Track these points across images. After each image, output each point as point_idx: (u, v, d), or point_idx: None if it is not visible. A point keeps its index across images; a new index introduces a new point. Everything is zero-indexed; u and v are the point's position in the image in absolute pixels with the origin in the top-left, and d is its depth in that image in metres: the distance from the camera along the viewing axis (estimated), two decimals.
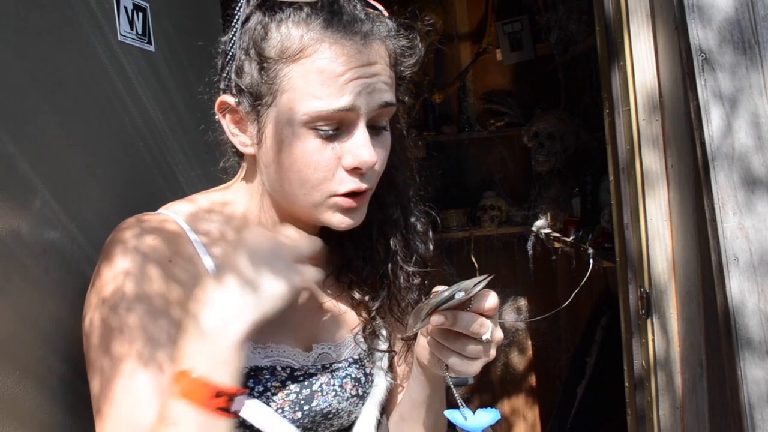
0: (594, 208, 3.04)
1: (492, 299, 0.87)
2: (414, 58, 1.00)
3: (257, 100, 0.93)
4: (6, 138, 0.91)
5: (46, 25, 1.03)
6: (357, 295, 1.12)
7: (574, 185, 3.36)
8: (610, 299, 3.26)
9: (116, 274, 0.91)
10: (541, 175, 3.69)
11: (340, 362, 1.08)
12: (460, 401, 0.92)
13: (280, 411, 0.97)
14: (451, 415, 0.91)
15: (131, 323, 0.90)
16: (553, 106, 3.58)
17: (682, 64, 1.48)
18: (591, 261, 2.80)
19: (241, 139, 0.99)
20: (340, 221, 0.98)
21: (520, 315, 4.16)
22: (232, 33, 0.95)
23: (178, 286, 0.96)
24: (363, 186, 0.95)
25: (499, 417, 0.91)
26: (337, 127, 0.92)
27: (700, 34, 1.38)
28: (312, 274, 1.05)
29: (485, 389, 4.21)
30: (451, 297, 0.82)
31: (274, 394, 0.97)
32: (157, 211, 1.02)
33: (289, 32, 0.90)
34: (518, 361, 4.21)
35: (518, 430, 4.21)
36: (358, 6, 0.94)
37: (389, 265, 1.11)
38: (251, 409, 0.92)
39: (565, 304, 3.06)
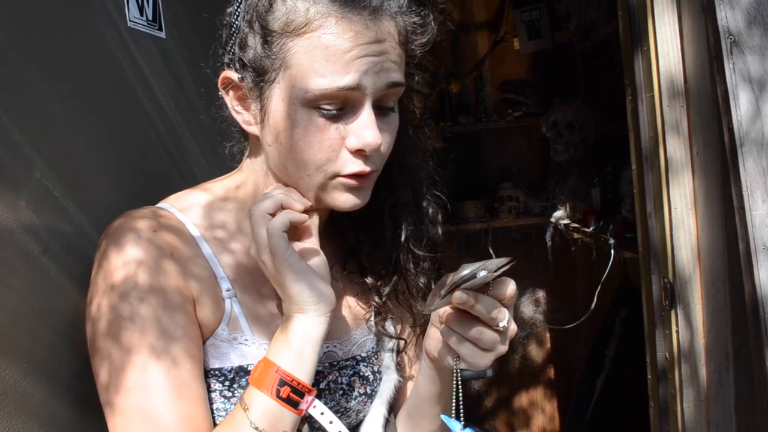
0: (614, 198, 2.99)
1: (511, 287, 0.84)
2: (426, 37, 0.95)
3: (260, 75, 0.89)
4: (11, 126, 0.89)
5: (50, 10, 1.00)
6: (369, 280, 1.09)
7: (593, 175, 3.31)
8: (629, 291, 3.22)
9: (127, 261, 0.89)
10: (559, 166, 3.63)
11: (347, 360, 1.05)
12: (456, 405, 0.90)
13: None
14: (448, 421, 0.88)
15: (143, 314, 0.88)
16: (571, 96, 3.52)
17: (709, 48, 1.43)
18: (612, 251, 2.75)
19: (244, 117, 0.96)
20: (344, 201, 0.95)
21: (538, 307, 4.12)
22: (237, 4, 0.92)
23: (197, 282, 0.94)
24: (367, 168, 0.91)
25: None
26: (341, 106, 0.88)
27: (728, 16, 1.34)
28: None
29: (503, 382, 4.18)
30: (473, 276, 0.79)
31: None
32: (165, 207, 1.00)
33: (295, 4, 0.85)
34: (536, 353, 4.18)
35: (537, 422, 4.18)
36: None
37: (400, 250, 1.08)
38: (320, 413, 0.92)
39: (591, 308, 3.03)
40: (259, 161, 1.00)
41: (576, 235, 3.37)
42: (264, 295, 1.01)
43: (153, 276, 0.89)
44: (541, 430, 4.19)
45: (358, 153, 0.90)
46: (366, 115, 0.89)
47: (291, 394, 0.86)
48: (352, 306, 1.11)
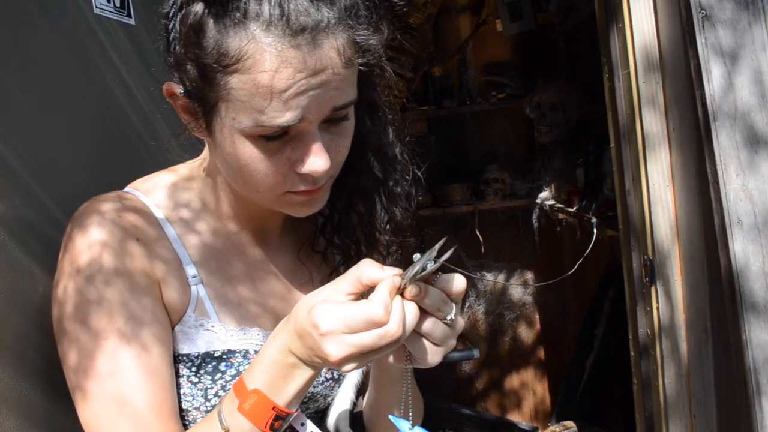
0: (597, 178, 2.99)
1: (459, 282, 0.81)
2: (378, 35, 0.86)
3: (200, 100, 0.85)
4: None
5: None
6: (329, 263, 1.09)
7: (577, 156, 3.31)
8: (617, 270, 3.23)
9: (92, 243, 0.89)
10: (544, 147, 3.64)
11: None
12: (405, 405, 0.89)
13: None
14: (396, 421, 0.87)
15: (110, 297, 0.88)
16: (554, 77, 3.52)
17: (682, 22, 1.43)
18: (594, 230, 2.76)
19: (192, 125, 0.90)
20: (299, 212, 0.94)
21: (527, 288, 4.13)
22: (171, 13, 0.85)
23: (163, 265, 0.94)
24: (318, 185, 0.89)
25: None
26: (286, 132, 0.84)
27: None
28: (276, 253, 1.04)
29: (494, 364, 4.20)
30: (423, 269, 0.77)
31: None
32: (129, 191, 0.99)
33: (227, 34, 0.78)
34: (526, 334, 4.19)
35: (527, 403, 4.21)
36: None
37: (362, 232, 1.07)
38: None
39: (570, 272, 3.03)
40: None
41: (561, 216, 3.38)
42: (232, 276, 1.00)
43: (118, 258, 0.89)
44: (533, 411, 4.21)
45: (308, 175, 0.87)
46: (313, 143, 0.85)
47: (282, 422, 0.84)
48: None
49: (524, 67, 3.87)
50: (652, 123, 1.62)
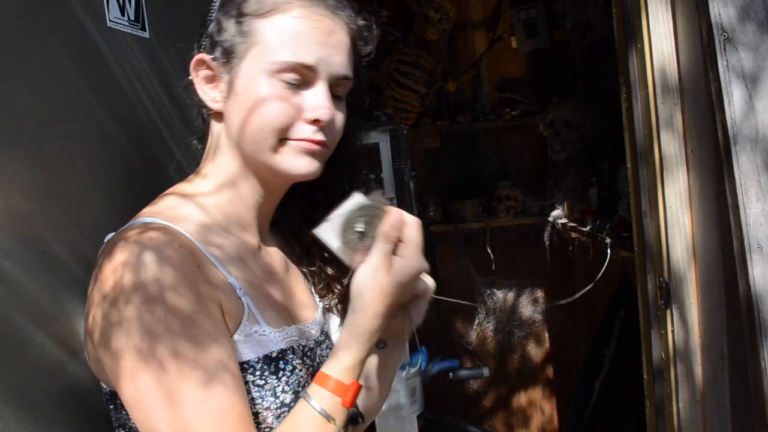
0: (611, 197, 2.97)
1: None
2: (370, 45, 1.10)
3: (232, 53, 1.01)
4: None
5: (19, 9, 0.98)
6: (330, 271, 1.18)
7: (591, 174, 3.29)
8: (628, 290, 3.20)
9: (160, 281, 0.89)
10: (557, 165, 3.62)
11: (321, 336, 1.16)
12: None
13: (307, 386, 1.00)
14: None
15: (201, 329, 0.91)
16: (569, 95, 3.51)
17: (703, 45, 1.42)
18: (608, 251, 2.73)
19: (212, 95, 1.04)
20: (297, 166, 1.03)
21: (537, 306, 4.10)
22: None
23: (219, 285, 0.97)
24: (319, 137, 1.02)
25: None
26: (300, 83, 1.00)
27: (722, 12, 1.32)
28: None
29: (502, 381, 4.17)
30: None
31: (300, 371, 1.03)
32: (159, 221, 0.98)
33: None
34: (535, 353, 4.16)
35: (535, 422, 4.17)
36: None
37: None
38: None
39: (581, 293, 3.01)
40: (220, 145, 1.06)
41: (574, 235, 3.36)
42: (258, 281, 1.07)
43: (192, 291, 0.91)
44: (540, 430, 4.17)
45: (314, 123, 1.01)
46: (321, 91, 1.01)
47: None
48: (307, 287, 1.20)
49: (539, 84, 3.86)
50: (670, 145, 1.60)
